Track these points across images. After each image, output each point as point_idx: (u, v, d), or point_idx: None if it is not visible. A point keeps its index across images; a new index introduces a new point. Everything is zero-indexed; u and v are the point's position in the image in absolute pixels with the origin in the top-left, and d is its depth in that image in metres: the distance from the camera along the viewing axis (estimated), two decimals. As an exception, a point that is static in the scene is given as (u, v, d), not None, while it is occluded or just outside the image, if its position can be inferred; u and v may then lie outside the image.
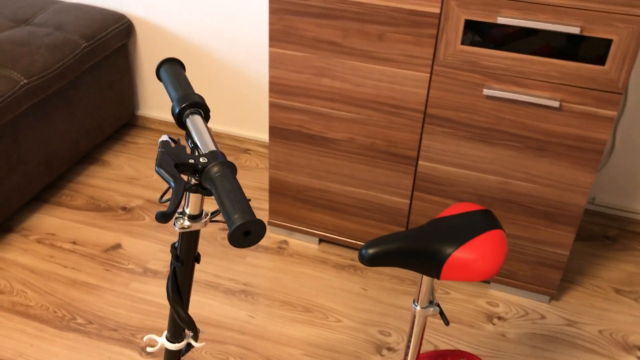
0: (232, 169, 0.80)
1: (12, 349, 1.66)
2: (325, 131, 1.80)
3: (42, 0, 2.36)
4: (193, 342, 1.09)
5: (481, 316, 1.81)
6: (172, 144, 0.84)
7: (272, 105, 1.82)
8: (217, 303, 1.82)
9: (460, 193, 1.76)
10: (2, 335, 1.70)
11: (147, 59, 2.51)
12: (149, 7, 2.37)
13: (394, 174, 1.80)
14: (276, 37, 1.70)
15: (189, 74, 2.47)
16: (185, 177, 0.86)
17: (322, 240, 2.05)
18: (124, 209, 2.18)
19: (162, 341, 1.10)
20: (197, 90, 2.51)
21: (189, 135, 0.89)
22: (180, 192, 0.75)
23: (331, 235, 1.99)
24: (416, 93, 1.65)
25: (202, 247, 2.02)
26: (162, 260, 1.96)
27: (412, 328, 1.25)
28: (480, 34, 1.51)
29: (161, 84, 2.56)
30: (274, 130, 1.86)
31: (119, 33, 2.32)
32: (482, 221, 1.13)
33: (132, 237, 2.05)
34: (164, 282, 1.89)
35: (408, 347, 1.28)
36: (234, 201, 0.74)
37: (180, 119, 0.90)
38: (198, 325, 1.74)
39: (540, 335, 1.75)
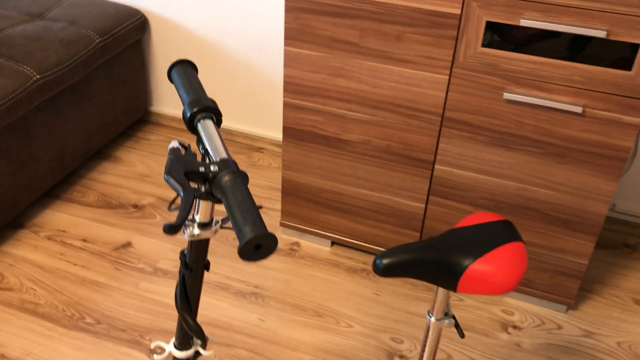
0: (243, 178, 0.77)
1: (21, 348, 1.65)
2: (340, 132, 1.77)
3: (56, -6, 2.34)
4: (201, 351, 1.06)
5: (496, 325, 1.77)
6: (183, 151, 0.81)
7: (286, 105, 1.79)
8: (227, 305, 1.79)
9: (477, 198, 1.72)
10: (11, 333, 1.69)
11: (161, 54, 2.49)
12: (164, 2, 2.35)
13: (410, 178, 1.76)
14: (292, 36, 1.67)
15: (202, 70, 2.45)
16: (195, 184, 0.83)
17: (334, 242, 2.02)
18: (135, 206, 2.16)
19: (170, 348, 1.07)
20: (210, 87, 2.48)
21: (199, 141, 0.86)
22: (189, 202, 0.72)
23: (344, 238, 1.96)
24: (434, 95, 1.61)
25: (212, 248, 1.99)
26: (172, 260, 1.94)
27: (425, 339, 1.21)
28: (501, 34, 1.46)
29: (175, 81, 2.53)
30: (287, 131, 1.83)
31: (134, 28, 2.29)
32: (502, 232, 1.09)
33: (143, 236, 2.03)
34: (174, 283, 1.86)
35: (422, 357, 1.25)
36: (245, 213, 0.71)
37: (191, 124, 0.88)
38: (208, 329, 1.72)
39: (557, 345, 1.71)
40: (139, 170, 2.34)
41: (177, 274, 1.89)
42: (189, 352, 1.07)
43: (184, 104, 0.88)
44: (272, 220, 2.12)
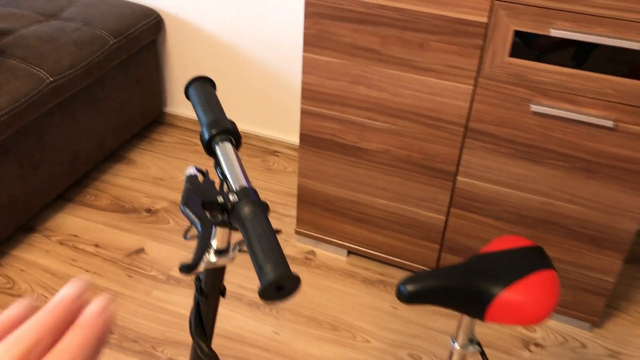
0: (264, 209, 0.72)
1: (31, 357, 1.62)
2: (359, 141, 1.72)
3: (71, -7, 2.31)
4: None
5: (517, 342, 1.71)
6: (200, 177, 0.76)
7: (304, 112, 1.74)
8: (241, 316, 1.75)
9: (500, 212, 1.66)
10: (20, 341, 1.66)
11: (176, 55, 2.44)
12: (180, 2, 2.30)
13: (430, 189, 1.71)
14: (311, 42, 1.62)
15: (217, 71, 2.40)
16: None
17: (350, 252, 1.97)
18: (148, 211, 2.12)
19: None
20: (225, 89, 2.44)
21: (217, 164, 0.81)
22: (207, 238, 0.68)
23: (360, 248, 1.91)
24: (457, 106, 1.55)
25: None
26: (185, 268, 1.90)
27: (448, 365, 1.16)
28: (527, 41, 1.40)
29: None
30: (304, 138, 1.78)
31: (149, 29, 2.25)
32: (533, 259, 1.04)
33: (156, 242, 2.00)
34: (187, 292, 1.83)
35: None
36: (267, 249, 0.66)
37: (209, 146, 0.83)
38: (221, 341, 1.68)
39: (580, 365, 1.66)
40: (153, 173, 2.30)
41: (190, 283, 1.85)
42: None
43: (201, 125, 0.84)
44: (286, 227, 2.07)
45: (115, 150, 2.38)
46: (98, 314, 0.31)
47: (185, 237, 0.78)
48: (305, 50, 1.64)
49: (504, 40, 1.42)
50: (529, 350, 1.69)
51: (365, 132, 1.69)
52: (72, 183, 2.15)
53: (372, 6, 1.50)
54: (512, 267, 1.03)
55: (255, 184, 2.25)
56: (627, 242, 1.56)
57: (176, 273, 1.88)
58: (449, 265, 1.06)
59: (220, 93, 2.45)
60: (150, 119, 2.49)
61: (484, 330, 1.74)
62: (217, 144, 0.82)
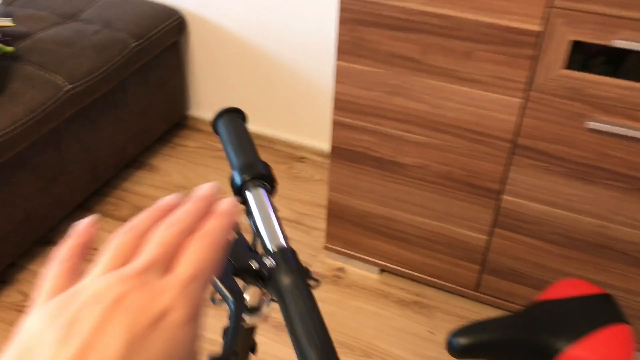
0: (305, 275, 0.62)
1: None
2: (395, 155, 1.60)
3: (91, -8, 2.21)
4: None
5: (565, 373, 1.59)
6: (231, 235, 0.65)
7: (336, 124, 1.62)
8: (267, 340, 1.65)
9: (548, 233, 1.53)
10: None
11: (200, 57, 2.34)
12: (204, 1, 2.19)
13: (472, 207, 1.59)
14: (345, 50, 1.50)
15: (242, 73, 2.29)
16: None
17: (382, 270, 1.85)
18: (170, 222, 2.03)
19: None
20: (250, 91, 2.33)
21: (249, 214, 0.70)
22: (239, 318, 0.57)
23: (394, 266, 1.79)
24: (505, 120, 1.42)
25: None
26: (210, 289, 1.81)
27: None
28: (585, 53, 1.27)
29: (214, 81, 2.38)
30: (336, 151, 1.67)
31: (171, 30, 2.15)
32: (602, 310, 0.91)
33: (178, 256, 1.90)
34: (213, 312, 1.73)
35: None
36: (310, 332, 0.56)
37: (240, 190, 0.72)
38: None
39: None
40: (175, 181, 2.21)
41: (215, 308, 1.75)
42: None
43: (232, 167, 0.73)
44: (314, 241, 1.97)
45: (136, 156, 2.29)
46: (230, 207, 0.37)
47: (213, 301, 0.68)
48: (338, 58, 1.52)
49: (559, 51, 1.29)
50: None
51: (403, 145, 1.57)
52: (92, 192, 2.07)
53: (413, 12, 1.37)
54: (578, 319, 0.91)
55: (281, 193, 2.15)
56: (691, 270, 1.43)
57: (199, 291, 1.79)
58: (506, 315, 0.95)
59: (245, 96, 2.34)
60: (173, 123, 2.40)
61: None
62: (250, 190, 0.71)
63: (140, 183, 2.19)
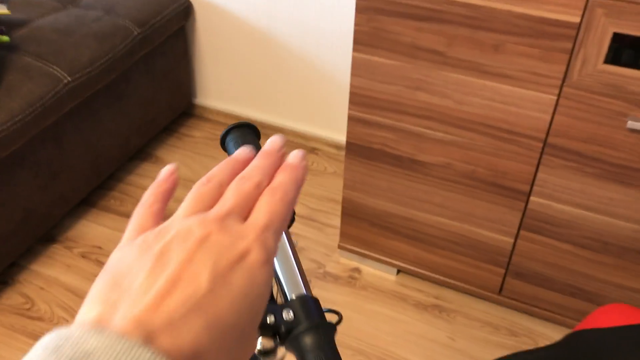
0: (330, 331, 0.52)
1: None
2: (416, 153, 1.50)
3: (92, -25, 2.10)
4: None
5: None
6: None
7: (351, 119, 1.52)
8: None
9: (579, 237, 1.44)
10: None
11: (207, 43, 2.23)
12: (210, -15, 2.08)
13: (497, 208, 1.49)
14: (363, 41, 1.39)
15: (251, 61, 2.19)
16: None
17: (399, 270, 1.77)
18: (177, 218, 1.94)
19: None
20: (260, 80, 2.22)
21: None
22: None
23: (412, 268, 1.70)
24: (536, 118, 1.32)
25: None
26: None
27: None
28: (628, 46, 1.16)
29: (222, 68, 2.27)
30: (351, 147, 1.57)
31: (177, 16, 2.04)
32: (658, 344, 0.82)
33: (186, 255, 1.82)
34: None
35: None
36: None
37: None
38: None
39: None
40: (181, 174, 2.12)
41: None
42: None
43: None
44: (328, 239, 1.88)
45: (141, 148, 2.19)
46: (300, 159, 0.40)
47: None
48: (355, 49, 1.41)
49: (599, 44, 1.18)
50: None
51: (424, 143, 1.47)
52: (94, 187, 1.98)
53: (438, 1, 1.26)
54: (628, 353, 0.81)
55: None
56: None
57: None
58: (543, 346, 0.85)
59: (254, 83, 2.24)
60: (179, 112, 2.30)
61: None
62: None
63: (145, 176, 2.10)
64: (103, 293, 0.31)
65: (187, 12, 2.10)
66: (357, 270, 1.78)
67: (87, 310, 0.30)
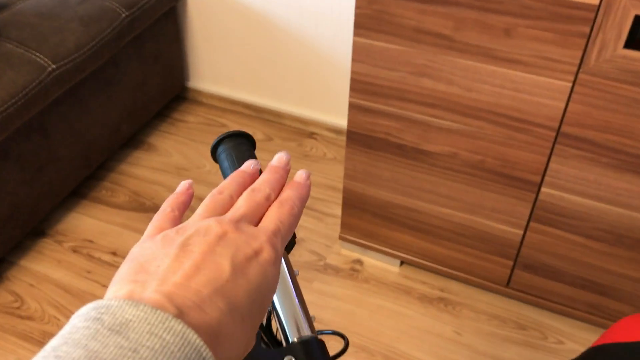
0: None
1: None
2: (420, 142, 1.42)
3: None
4: None
5: (606, 379, 1.45)
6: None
7: (352, 107, 1.44)
8: (280, 344, 1.51)
9: (591, 229, 1.37)
10: (30, 375, 1.45)
11: (200, 23, 2.14)
12: (201, -37, 1.98)
13: (506, 199, 1.42)
14: (364, 25, 1.31)
15: (246, 43, 2.09)
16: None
17: (403, 262, 1.70)
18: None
19: None
20: (255, 62, 2.13)
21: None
22: None
23: (416, 259, 1.64)
24: (549, 106, 1.24)
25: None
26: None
27: None
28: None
29: (216, 50, 2.18)
30: (352, 136, 1.49)
31: (166, -4, 1.94)
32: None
33: (181, 248, 1.75)
34: None
35: None
36: None
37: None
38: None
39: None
40: (175, 162, 2.04)
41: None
42: None
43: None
44: (329, 229, 1.81)
45: (132, 135, 2.11)
46: (305, 179, 0.44)
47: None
48: (356, 34, 1.33)
49: (618, 28, 1.10)
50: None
51: (429, 132, 1.40)
52: (85, 177, 1.90)
53: (445, -18, 1.18)
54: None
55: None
56: None
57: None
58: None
59: (249, 66, 2.15)
60: (171, 96, 2.22)
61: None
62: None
63: (137, 165, 2.03)
64: (131, 275, 0.34)
65: (177, -8, 2.00)
66: (359, 261, 1.72)
67: (117, 289, 0.33)
